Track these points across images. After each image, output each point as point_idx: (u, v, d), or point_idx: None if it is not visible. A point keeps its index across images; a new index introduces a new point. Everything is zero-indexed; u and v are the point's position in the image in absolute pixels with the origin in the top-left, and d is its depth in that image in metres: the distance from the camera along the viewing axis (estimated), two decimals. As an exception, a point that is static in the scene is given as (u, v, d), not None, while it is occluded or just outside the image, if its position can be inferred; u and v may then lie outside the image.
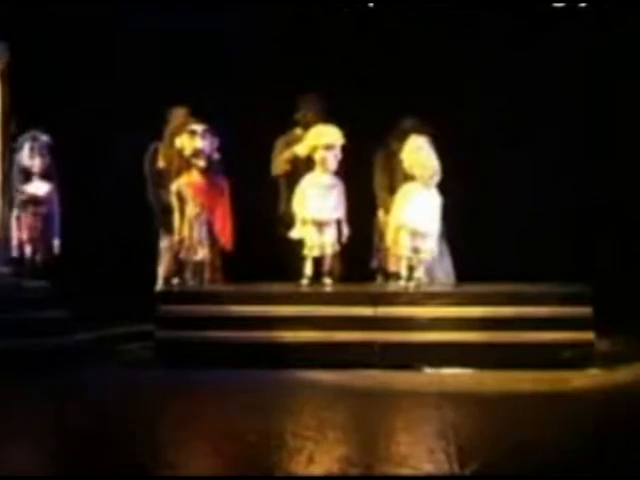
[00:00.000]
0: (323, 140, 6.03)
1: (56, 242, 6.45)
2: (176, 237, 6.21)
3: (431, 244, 6.05)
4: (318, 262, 6.10)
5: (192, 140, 6.17)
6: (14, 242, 6.42)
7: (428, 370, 5.61)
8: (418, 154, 6.03)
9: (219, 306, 5.83)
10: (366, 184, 6.58)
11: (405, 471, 3.69)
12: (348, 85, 7.31)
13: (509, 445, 4.08)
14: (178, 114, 6.54)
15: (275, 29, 7.58)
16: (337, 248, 6.11)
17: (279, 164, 6.63)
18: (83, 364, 5.69)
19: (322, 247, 6.05)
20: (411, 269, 6.02)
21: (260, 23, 7.56)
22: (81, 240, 6.80)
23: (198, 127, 6.20)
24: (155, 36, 7.50)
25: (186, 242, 6.16)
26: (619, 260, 7.45)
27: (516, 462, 3.82)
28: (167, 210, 6.33)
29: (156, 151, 6.61)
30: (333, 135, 6.04)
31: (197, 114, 6.38)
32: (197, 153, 6.16)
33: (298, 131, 6.62)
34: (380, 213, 6.57)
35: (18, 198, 6.45)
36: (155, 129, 6.60)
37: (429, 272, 6.17)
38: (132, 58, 7.47)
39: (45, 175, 6.48)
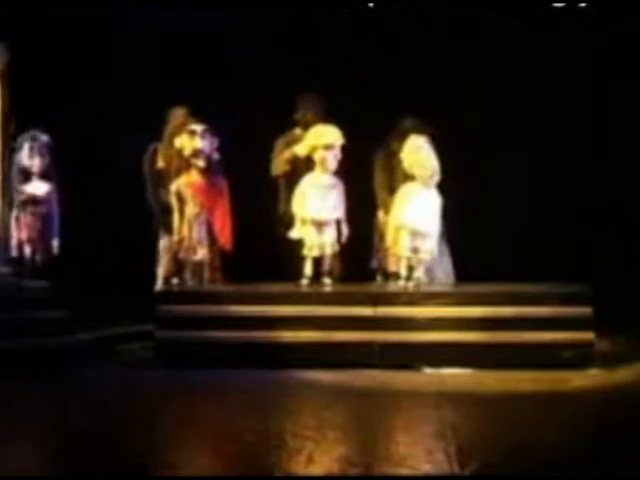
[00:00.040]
0: (323, 140, 6.03)
1: (55, 242, 6.45)
2: (176, 237, 6.21)
3: (431, 244, 6.05)
4: (318, 262, 6.09)
5: (191, 140, 6.17)
6: (13, 242, 6.42)
7: (428, 370, 5.61)
8: (418, 154, 6.03)
9: (219, 306, 5.83)
10: (366, 184, 6.58)
11: (404, 471, 3.69)
12: (348, 85, 7.31)
13: (509, 445, 4.08)
14: (177, 114, 6.54)
15: (275, 29, 7.58)
16: (337, 248, 6.11)
17: (279, 164, 6.63)
18: (83, 364, 5.69)
19: (322, 247, 6.05)
20: (411, 269, 6.02)
21: (260, 23, 7.56)
22: (81, 240, 6.80)
23: (197, 127, 6.20)
24: (155, 36, 7.51)
25: (186, 242, 6.17)
26: (619, 260, 7.45)
27: (516, 462, 3.82)
28: (166, 210, 6.33)
29: (155, 151, 6.61)
30: (333, 135, 6.04)
31: (197, 114, 6.38)
32: (196, 153, 6.17)
33: (298, 131, 6.62)
34: (380, 213, 6.57)
35: (17, 198, 6.45)
36: (155, 129, 6.60)
37: (429, 272, 6.17)
38: (132, 58, 7.47)
39: (44, 175, 6.48)
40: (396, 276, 6.19)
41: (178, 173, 6.24)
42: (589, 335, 5.66)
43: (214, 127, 6.26)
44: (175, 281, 6.23)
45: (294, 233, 6.09)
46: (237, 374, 5.43)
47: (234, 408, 4.79)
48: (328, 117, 6.31)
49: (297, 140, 6.52)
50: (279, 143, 6.68)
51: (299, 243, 6.08)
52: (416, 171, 6.03)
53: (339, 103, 6.59)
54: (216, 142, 6.25)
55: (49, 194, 6.49)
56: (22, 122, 6.50)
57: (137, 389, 5.26)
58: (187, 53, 7.49)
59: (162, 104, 6.64)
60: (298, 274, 6.06)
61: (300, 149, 6.40)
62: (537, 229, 7.44)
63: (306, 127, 6.39)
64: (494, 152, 7.49)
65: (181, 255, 6.20)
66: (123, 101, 7.34)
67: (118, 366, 5.83)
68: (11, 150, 6.52)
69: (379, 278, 6.50)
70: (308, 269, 6.05)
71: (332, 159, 6.04)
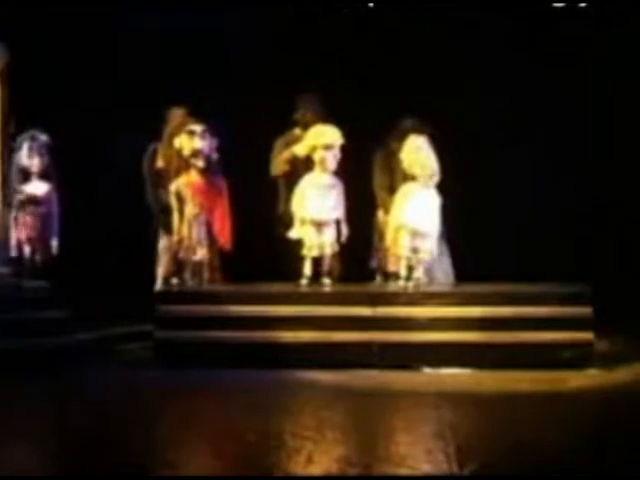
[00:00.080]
0: (322, 140, 6.03)
1: (54, 242, 6.45)
2: (175, 237, 6.21)
3: (430, 244, 6.05)
4: (317, 262, 6.09)
5: (191, 140, 6.17)
6: (13, 242, 6.42)
7: (427, 370, 5.61)
8: (417, 154, 6.03)
9: (218, 306, 5.83)
10: (365, 184, 6.58)
11: (404, 471, 3.69)
12: (348, 85, 7.31)
13: (507, 445, 4.08)
14: (177, 114, 6.54)
15: (275, 29, 7.58)
16: (336, 248, 6.11)
17: (278, 164, 6.63)
18: (83, 364, 5.69)
19: (321, 247, 6.05)
20: (410, 269, 6.02)
21: (260, 23, 7.56)
22: (80, 240, 6.80)
23: (197, 127, 6.20)
24: (155, 36, 7.50)
25: (185, 242, 6.17)
26: (619, 260, 7.45)
27: (514, 462, 3.82)
28: (166, 210, 6.33)
29: (155, 151, 6.61)
30: (332, 135, 6.04)
31: (196, 114, 6.38)
32: (196, 153, 6.17)
33: (297, 131, 6.62)
34: (379, 213, 6.57)
35: (17, 198, 6.45)
36: (154, 129, 6.60)
37: (428, 272, 6.17)
38: (132, 58, 7.47)
39: (44, 175, 6.48)
40: (395, 276, 6.19)
41: (177, 173, 6.24)
42: (588, 335, 5.66)
43: (213, 127, 6.26)
44: (175, 281, 6.23)
45: (293, 233, 6.09)
46: (237, 374, 5.43)
47: (234, 408, 4.79)
48: (327, 117, 6.31)
49: (297, 140, 6.52)
50: (279, 143, 6.68)
51: (298, 243, 6.08)
52: (416, 171, 6.03)
53: (339, 103, 6.59)
54: (215, 142, 6.25)
55: (48, 194, 6.49)
56: (21, 122, 6.51)
57: (137, 389, 5.26)
58: (187, 53, 7.49)
59: (162, 104, 6.64)
60: (297, 274, 6.06)
61: (300, 149, 6.41)
62: (537, 229, 7.44)
63: (305, 127, 6.39)
64: (494, 152, 7.49)
65: (181, 255, 6.20)
66: (123, 101, 7.35)
67: (118, 366, 5.83)
68: (10, 150, 6.52)
69: (378, 278, 6.50)
70: (307, 269, 6.05)
71: (332, 159, 6.04)
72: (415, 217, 6.00)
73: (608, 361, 5.71)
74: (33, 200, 6.45)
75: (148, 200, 6.64)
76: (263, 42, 7.58)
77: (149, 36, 7.48)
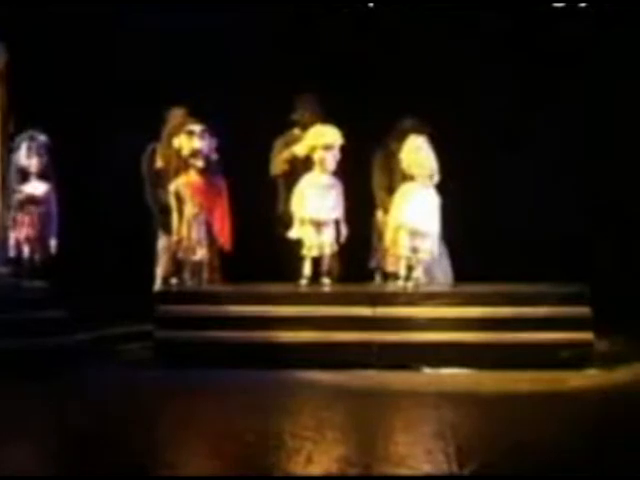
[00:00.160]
0: (322, 140, 6.03)
1: (53, 242, 6.45)
2: (174, 237, 6.21)
3: (430, 244, 6.04)
4: (317, 262, 6.09)
5: (190, 140, 6.17)
6: (11, 242, 6.42)
7: (426, 370, 5.61)
8: (417, 154, 6.03)
9: (218, 306, 5.83)
10: (365, 184, 6.58)
11: (403, 471, 3.69)
12: (348, 85, 7.32)
13: (507, 445, 4.08)
14: (176, 114, 6.54)
15: (275, 29, 7.58)
16: (335, 248, 6.10)
17: (278, 164, 6.63)
18: (82, 364, 5.69)
19: (321, 247, 6.05)
20: (410, 269, 6.02)
21: (260, 23, 7.56)
22: (79, 240, 6.80)
23: (196, 127, 6.20)
24: (155, 36, 7.51)
25: (184, 242, 6.17)
26: (619, 260, 7.45)
27: (514, 462, 3.82)
28: (165, 210, 6.33)
29: (154, 151, 6.61)
30: (332, 135, 6.04)
31: (196, 114, 6.38)
32: (195, 153, 6.17)
33: (296, 131, 6.62)
34: (379, 213, 6.58)
35: (15, 198, 6.45)
36: (154, 129, 6.60)
37: (428, 272, 6.17)
38: (131, 58, 7.47)
39: (42, 175, 6.47)
40: (395, 276, 6.19)
41: (177, 173, 6.24)
42: (588, 335, 5.65)
43: (213, 127, 6.26)
44: (174, 281, 6.22)
45: (293, 233, 6.09)
46: (236, 374, 5.42)
47: (233, 408, 4.79)
48: (326, 117, 6.31)
49: (296, 140, 6.52)
50: (278, 143, 6.69)
51: (298, 243, 6.08)
52: (415, 171, 6.03)
53: (339, 103, 6.59)
54: (215, 142, 6.25)
55: (47, 194, 6.48)
56: (21, 122, 6.51)
57: (136, 389, 5.26)
58: (187, 53, 7.49)
59: (161, 104, 6.64)
60: (297, 274, 6.06)
61: (299, 149, 6.41)
62: (537, 229, 7.44)
63: (304, 127, 6.39)
64: (494, 152, 7.50)
65: (180, 255, 6.20)
66: (122, 101, 7.35)
67: (117, 366, 5.82)
68: (9, 150, 6.52)
69: (378, 278, 6.50)
70: (307, 269, 6.05)
71: (331, 159, 6.04)
72: (414, 217, 6.00)
73: (608, 361, 5.71)
74: (32, 200, 6.44)
75: (147, 200, 6.63)
76: (263, 42, 7.59)
77: (149, 36, 7.48)
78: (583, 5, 7.59)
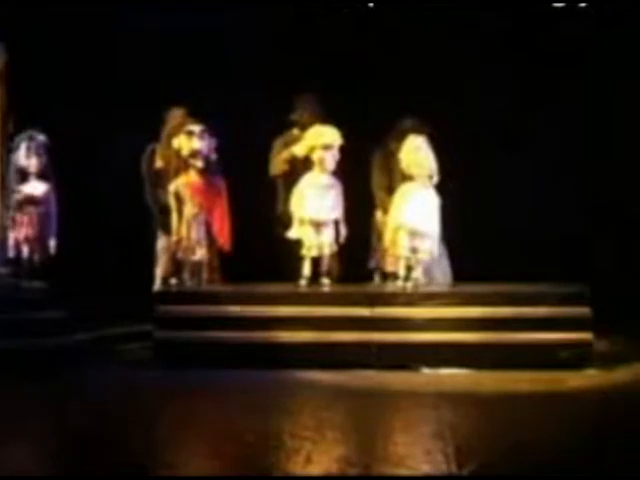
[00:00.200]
0: (321, 140, 6.03)
1: (53, 242, 6.45)
2: (174, 237, 6.21)
3: (430, 244, 6.04)
4: (316, 262, 6.08)
5: (189, 141, 6.17)
6: (11, 242, 6.42)
7: (426, 370, 5.61)
8: (416, 154, 6.03)
9: (217, 306, 5.83)
10: (364, 184, 6.58)
11: (403, 471, 3.69)
12: (347, 85, 7.32)
13: (507, 445, 4.08)
14: (176, 114, 6.54)
15: (275, 29, 7.58)
16: (335, 248, 6.10)
17: (277, 164, 6.63)
18: (82, 364, 5.69)
19: (320, 247, 6.05)
20: (409, 269, 6.02)
21: (260, 23, 7.56)
22: (79, 240, 6.80)
23: (195, 128, 6.20)
24: (155, 36, 7.51)
25: (184, 242, 6.17)
26: (619, 260, 7.45)
27: (514, 462, 3.82)
28: (165, 210, 6.33)
29: (154, 151, 6.61)
30: (331, 135, 6.04)
31: (195, 114, 6.38)
32: (194, 154, 6.17)
33: (296, 131, 6.62)
34: (378, 213, 6.58)
35: (15, 198, 6.45)
36: (154, 129, 6.60)
37: (427, 273, 6.17)
38: (131, 58, 7.47)
39: (42, 175, 6.47)
40: (394, 276, 6.19)
41: (176, 173, 6.24)
42: (587, 335, 5.65)
43: (212, 127, 6.26)
44: (173, 281, 6.23)
45: (292, 233, 6.09)
46: (235, 374, 5.42)
47: (233, 408, 4.79)
48: (326, 117, 6.31)
49: (295, 140, 6.52)
50: (277, 143, 6.68)
51: (297, 243, 6.07)
52: (414, 171, 6.02)
53: (338, 103, 6.59)
54: (214, 142, 6.25)
55: (47, 194, 6.48)
56: (20, 122, 6.51)
57: (136, 389, 5.26)
58: (187, 53, 7.49)
59: (161, 104, 6.64)
60: (296, 274, 6.06)
61: (298, 149, 6.41)
62: (537, 229, 7.44)
63: (304, 127, 6.39)
64: (494, 152, 7.50)
65: (179, 255, 6.20)
66: (122, 101, 7.35)
67: (117, 366, 5.82)
68: (8, 150, 6.52)
69: (377, 278, 6.50)
70: (306, 269, 6.05)
71: (330, 159, 6.04)
72: (414, 217, 6.00)
73: (607, 361, 5.71)
74: (31, 200, 6.44)
75: (147, 200, 6.63)
76: (263, 42, 7.59)
77: (149, 36, 7.48)
78: (583, 5, 7.59)
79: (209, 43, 7.49)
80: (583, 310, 5.69)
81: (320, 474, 3.77)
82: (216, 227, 6.25)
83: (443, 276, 6.57)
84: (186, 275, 6.18)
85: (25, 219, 6.43)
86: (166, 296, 6.00)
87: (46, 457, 4.02)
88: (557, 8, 7.59)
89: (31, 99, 6.60)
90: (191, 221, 6.18)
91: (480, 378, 5.41)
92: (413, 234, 5.99)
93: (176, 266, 6.25)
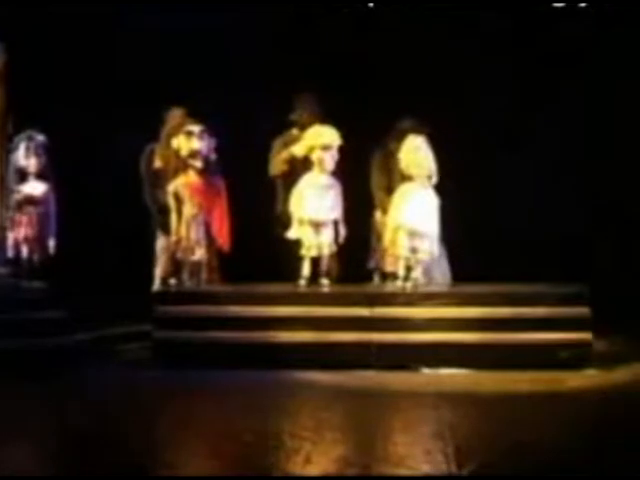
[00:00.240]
0: (320, 140, 6.03)
1: (52, 242, 6.45)
2: (173, 237, 6.21)
3: (430, 244, 6.04)
4: (315, 262, 6.09)
5: (189, 141, 6.17)
6: (10, 242, 6.42)
7: (425, 370, 5.60)
8: (416, 154, 6.03)
9: (216, 306, 5.82)
10: (363, 184, 6.58)
11: (402, 471, 3.68)
12: (347, 85, 7.32)
13: (506, 445, 4.07)
14: (175, 114, 6.54)
15: (275, 29, 7.58)
16: (334, 248, 6.10)
17: (277, 164, 6.63)
18: (81, 364, 5.69)
19: (319, 247, 6.05)
20: (409, 269, 6.02)
21: (260, 23, 7.56)
22: (78, 240, 6.80)
23: (195, 128, 6.20)
24: (154, 36, 7.51)
25: (183, 242, 6.17)
26: (619, 260, 7.45)
27: (513, 462, 3.82)
28: (164, 210, 6.34)
29: (153, 152, 6.61)
30: (330, 135, 6.04)
31: (195, 114, 6.38)
32: (194, 154, 6.17)
33: (295, 131, 6.63)
34: (377, 213, 6.58)
35: (14, 198, 6.46)
36: (153, 129, 6.60)
37: (426, 272, 6.17)
38: (131, 58, 7.48)
39: (41, 175, 6.48)
40: (393, 276, 6.19)
41: (175, 173, 6.24)
42: (587, 335, 5.65)
43: (212, 127, 6.26)
44: (173, 281, 6.23)
45: (292, 233, 6.09)
46: (235, 374, 5.42)
47: (232, 408, 4.79)
48: (325, 117, 6.31)
49: (295, 140, 6.52)
50: (277, 143, 6.69)
51: (297, 243, 6.07)
52: (413, 171, 6.02)
53: (338, 103, 6.59)
54: (214, 143, 6.25)
55: (46, 194, 6.49)
56: (20, 122, 6.51)
57: (136, 389, 5.26)
58: (186, 53, 7.50)
59: (161, 104, 6.64)
60: (296, 274, 6.06)
61: (298, 149, 6.41)
62: (537, 229, 7.44)
63: (303, 127, 6.39)
64: (494, 152, 7.50)
65: (179, 255, 6.20)
66: (121, 101, 7.35)
67: (116, 366, 5.82)
68: (7, 150, 6.52)
69: (376, 278, 6.50)
70: (306, 269, 6.05)
71: (329, 159, 6.04)
72: (413, 217, 6.00)
73: (606, 361, 5.70)
74: (30, 200, 6.45)
75: (146, 200, 6.63)
76: (263, 42, 7.59)
77: (149, 36, 7.48)
78: (583, 5, 7.59)
79: (209, 43, 7.50)
80: (582, 310, 5.68)
81: (319, 474, 3.77)
82: (215, 227, 6.25)
83: (442, 276, 6.57)
84: (185, 275, 6.18)
85: (24, 219, 6.43)
86: (165, 296, 6.00)
87: (46, 457, 4.01)
88: (557, 8, 7.59)
89: (30, 99, 6.60)
90: (190, 221, 6.18)
91: (480, 378, 5.41)
92: (412, 234, 5.99)
93: (175, 266, 6.25)
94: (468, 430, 4.32)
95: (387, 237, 6.11)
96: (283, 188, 6.51)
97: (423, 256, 6.02)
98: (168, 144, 6.33)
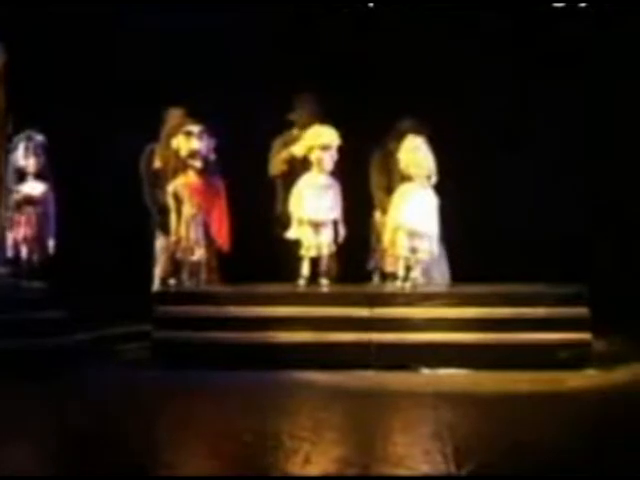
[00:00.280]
0: (319, 140, 6.03)
1: (51, 242, 6.46)
2: (173, 238, 6.21)
3: (429, 244, 6.04)
4: (315, 263, 6.09)
5: (188, 141, 6.17)
6: (9, 242, 6.43)
7: (424, 371, 5.60)
8: (415, 154, 6.03)
9: (216, 307, 5.82)
10: (363, 184, 6.59)
11: (401, 472, 3.68)
12: (347, 85, 7.32)
13: (506, 445, 4.07)
14: (175, 114, 6.54)
15: (275, 29, 7.58)
16: (334, 248, 6.10)
17: (276, 164, 6.64)
18: (81, 364, 5.69)
19: (319, 247, 6.05)
20: (408, 269, 6.02)
21: (260, 23, 7.56)
22: (78, 240, 6.81)
23: (194, 128, 6.20)
24: (154, 36, 7.51)
25: (183, 243, 6.17)
26: (619, 260, 7.45)
27: (513, 462, 3.81)
28: (164, 211, 6.34)
29: (152, 152, 6.61)
30: (329, 136, 6.04)
31: (195, 114, 6.38)
32: (193, 154, 6.17)
33: (295, 131, 6.63)
34: (377, 213, 6.58)
35: (13, 198, 6.46)
36: (153, 129, 6.60)
37: (426, 273, 6.17)
38: (131, 58, 7.48)
39: (40, 175, 6.48)
40: (393, 276, 6.19)
41: (175, 174, 6.24)
42: (586, 335, 5.64)
43: (211, 127, 6.26)
44: (172, 282, 6.23)
45: (291, 233, 6.09)
46: (234, 375, 5.42)
47: (231, 409, 4.79)
48: (324, 117, 6.31)
49: (294, 140, 6.52)
50: (276, 143, 6.69)
51: (296, 243, 6.07)
52: (413, 171, 6.02)
53: (338, 103, 6.59)
54: (213, 143, 6.25)
55: (45, 194, 6.49)
56: (19, 122, 6.51)
57: (135, 389, 5.26)
58: (186, 53, 7.50)
59: (161, 104, 6.64)
60: (295, 274, 6.06)
61: (297, 149, 6.41)
62: (536, 229, 7.44)
63: (303, 127, 6.39)
64: (494, 152, 7.50)
65: (178, 256, 6.20)
66: (121, 101, 7.35)
67: (116, 366, 5.82)
68: (7, 150, 6.52)
69: (376, 279, 6.50)
70: (305, 270, 6.05)
71: (328, 160, 6.04)
72: (413, 217, 6.00)
73: (606, 361, 5.70)
74: (30, 200, 6.45)
75: (145, 200, 6.63)
76: (263, 42, 7.59)
77: (149, 36, 7.48)
78: (583, 5, 7.59)
79: (209, 43, 7.50)
80: (582, 310, 5.68)
81: (318, 474, 3.77)
82: (215, 227, 6.25)
83: (442, 276, 6.57)
84: (185, 275, 6.18)
85: (23, 219, 6.44)
86: (165, 296, 6.00)
87: (46, 457, 4.01)
88: (557, 8, 7.59)
89: (30, 99, 6.60)
90: (190, 221, 6.18)
91: (479, 378, 5.41)
92: (412, 234, 5.99)
93: (175, 266, 6.25)
94: (467, 430, 4.31)
95: (387, 237, 6.11)
96: (283, 188, 6.51)
97: (423, 256, 6.02)
98: (168, 144, 6.33)
